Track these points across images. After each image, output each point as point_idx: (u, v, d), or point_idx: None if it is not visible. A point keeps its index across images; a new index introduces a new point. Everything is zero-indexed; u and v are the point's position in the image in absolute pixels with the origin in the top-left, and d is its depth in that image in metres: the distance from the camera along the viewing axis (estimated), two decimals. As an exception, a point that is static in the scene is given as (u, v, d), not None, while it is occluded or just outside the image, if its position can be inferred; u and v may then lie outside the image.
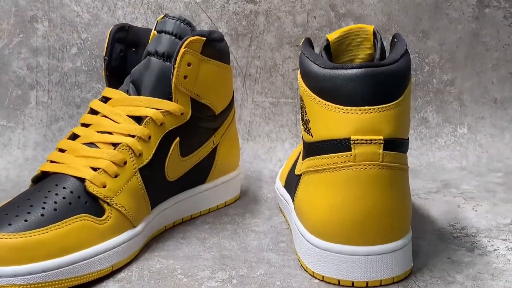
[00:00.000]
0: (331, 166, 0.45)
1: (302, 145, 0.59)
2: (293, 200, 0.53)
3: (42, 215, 0.46)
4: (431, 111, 0.79)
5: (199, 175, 0.59)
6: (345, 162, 0.45)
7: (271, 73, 0.78)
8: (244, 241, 0.55)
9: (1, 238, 0.43)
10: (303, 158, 0.50)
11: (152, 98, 0.53)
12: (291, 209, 0.55)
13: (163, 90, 0.54)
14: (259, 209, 0.62)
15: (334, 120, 0.45)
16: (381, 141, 0.44)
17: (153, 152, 0.53)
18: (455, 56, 0.78)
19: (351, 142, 0.44)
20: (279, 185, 0.62)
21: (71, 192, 0.48)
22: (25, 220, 0.45)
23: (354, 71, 0.44)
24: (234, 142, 0.64)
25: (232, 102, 0.62)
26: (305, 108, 0.48)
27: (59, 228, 0.45)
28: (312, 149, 0.47)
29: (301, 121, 0.50)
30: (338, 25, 0.77)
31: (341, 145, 0.45)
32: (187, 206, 0.59)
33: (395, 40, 0.49)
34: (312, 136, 0.47)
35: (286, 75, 0.78)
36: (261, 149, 0.77)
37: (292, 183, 0.55)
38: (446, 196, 0.65)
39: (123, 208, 0.50)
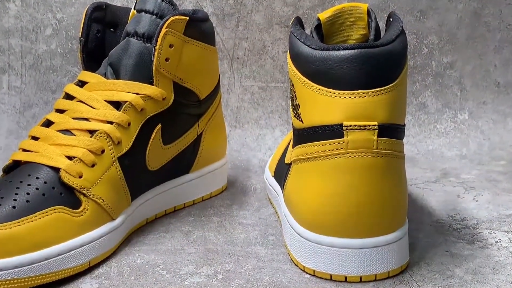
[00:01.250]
0: (322, 153, 0.45)
1: (292, 132, 0.59)
2: (282, 190, 0.53)
3: (14, 207, 0.45)
4: (430, 96, 0.79)
5: (182, 164, 0.59)
6: (337, 149, 0.44)
7: (260, 55, 0.78)
8: (231, 234, 0.55)
9: (-30, 232, 0.43)
10: (293, 146, 0.50)
11: (131, 82, 0.53)
12: (281, 200, 0.54)
13: (143, 73, 0.53)
14: (247, 200, 0.62)
15: (325, 104, 0.45)
16: (376, 127, 0.44)
17: (133, 139, 0.52)
18: (455, 38, 0.78)
19: (344, 128, 0.44)
20: (268, 174, 0.61)
21: (45, 182, 0.47)
22: (-5, 213, 0.44)
23: (347, 52, 0.44)
24: (220, 130, 0.63)
25: (218, 86, 0.62)
26: (295, 92, 0.48)
27: (32, 221, 0.45)
28: (302, 135, 0.47)
29: (290, 106, 0.50)
30: (331, 4, 0.77)
31: (333, 131, 0.44)
32: (170, 198, 0.59)
33: (391, 19, 0.49)
34: (303, 122, 0.47)
35: (276, 57, 0.78)
36: (250, 136, 0.77)
37: (282, 172, 0.55)
38: (445, 185, 0.66)
39: (101, 200, 0.49)
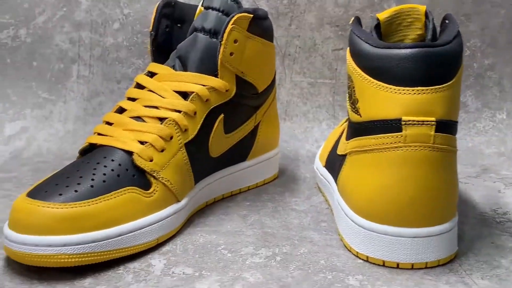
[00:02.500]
0: (380, 146, 0.45)
1: (342, 126, 0.59)
2: (336, 180, 0.53)
3: (92, 186, 0.46)
4: (470, 96, 0.77)
5: (240, 152, 0.59)
6: (395, 143, 0.44)
7: (310, 53, 0.77)
8: (285, 219, 0.54)
9: (52, 208, 0.43)
10: (348, 138, 0.50)
11: (198, 74, 0.53)
12: (333, 189, 0.54)
13: (209, 66, 0.53)
14: (298, 188, 0.62)
15: (385, 100, 0.44)
16: (433, 122, 0.43)
17: (198, 127, 0.52)
18: (496, 41, 0.76)
19: (403, 123, 0.43)
20: (319, 165, 0.61)
21: (119, 164, 0.48)
22: (75, 191, 0.45)
23: (408, 50, 0.43)
24: (275, 121, 0.63)
25: (274, 80, 0.62)
26: (353, 87, 0.47)
27: (108, 199, 0.46)
28: (359, 129, 0.47)
29: (348, 101, 0.49)
30: (380, 6, 0.76)
31: (392, 125, 0.44)
32: (227, 183, 0.59)
33: (446, 21, 0.48)
34: (361, 116, 0.46)
35: (326, 55, 0.77)
36: (298, 129, 0.76)
37: (334, 163, 0.54)
38: (486, 181, 0.64)
39: (169, 182, 0.50)
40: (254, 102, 0.59)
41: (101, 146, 0.50)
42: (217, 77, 0.53)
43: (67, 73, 0.78)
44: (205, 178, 0.55)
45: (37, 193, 0.45)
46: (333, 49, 0.77)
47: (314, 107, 0.77)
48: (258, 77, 0.58)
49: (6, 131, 0.75)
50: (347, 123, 0.52)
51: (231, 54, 0.54)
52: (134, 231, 0.47)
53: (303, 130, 0.76)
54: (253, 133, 0.60)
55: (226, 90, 0.54)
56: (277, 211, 0.56)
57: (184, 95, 0.53)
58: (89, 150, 0.51)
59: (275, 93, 0.63)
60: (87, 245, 0.44)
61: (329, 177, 0.57)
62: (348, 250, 0.48)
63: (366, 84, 0.45)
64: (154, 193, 0.49)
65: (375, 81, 0.44)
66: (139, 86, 0.54)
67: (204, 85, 0.53)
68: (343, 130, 0.55)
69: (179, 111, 0.52)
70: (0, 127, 0.76)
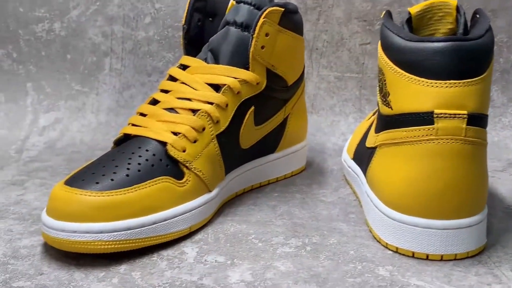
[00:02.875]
0: (411, 139, 0.44)
1: (370, 119, 0.58)
2: (365, 172, 0.52)
3: (127, 175, 0.46)
4: (496, 91, 0.76)
5: (270, 144, 0.59)
6: (426, 135, 0.43)
7: (337, 47, 0.76)
8: (314, 210, 0.54)
9: (90, 196, 0.44)
10: (378, 131, 0.49)
11: (230, 67, 0.53)
12: (362, 181, 0.54)
13: (240, 59, 0.53)
14: (326, 180, 0.62)
15: (417, 93, 0.43)
16: (465, 116, 0.43)
17: (229, 119, 0.52)
18: (524, 36, 0.75)
19: (434, 116, 0.43)
20: (347, 157, 0.61)
21: (154, 154, 0.48)
22: (112, 180, 0.45)
23: (441, 44, 0.42)
24: (303, 114, 0.63)
25: (303, 74, 0.61)
26: (385, 81, 0.47)
27: (143, 188, 0.46)
28: (390, 122, 0.46)
29: (378, 94, 0.49)
30: (407, 0, 0.75)
31: (423, 118, 0.43)
32: (256, 174, 0.59)
33: (477, 15, 0.47)
34: (392, 109, 0.46)
35: (353, 49, 0.76)
36: (324, 122, 0.76)
37: (363, 155, 0.54)
38: (512, 175, 0.63)
39: (201, 173, 0.50)
40: (283, 95, 0.58)
41: (136, 136, 0.50)
42: (248, 70, 0.53)
43: (99, 66, 0.78)
44: (235, 169, 0.55)
45: (74, 182, 0.45)
46: (361, 43, 0.76)
47: (340, 101, 0.77)
48: (288, 70, 0.57)
49: (40, 122, 0.76)
50: (375, 116, 0.52)
51: (262, 47, 0.53)
52: (167, 220, 0.47)
53: (330, 123, 0.76)
54: (282, 125, 0.60)
55: (257, 83, 0.54)
56: (305, 202, 0.56)
57: (216, 87, 0.52)
58: (124, 141, 0.51)
59: (304, 87, 0.62)
60: (122, 232, 0.44)
61: (357, 169, 0.56)
62: (378, 241, 0.48)
63: (397, 77, 0.45)
64: (187, 183, 0.49)
65: (407, 74, 0.44)
66: (172, 79, 0.54)
67: (235, 78, 0.53)
68: (371, 123, 0.55)
69: (211, 103, 0.51)
70: (35, 118, 0.77)
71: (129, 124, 0.52)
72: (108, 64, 0.78)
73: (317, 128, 0.76)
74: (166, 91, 0.53)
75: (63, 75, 0.78)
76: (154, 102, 0.53)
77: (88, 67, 0.78)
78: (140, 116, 0.52)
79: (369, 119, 0.60)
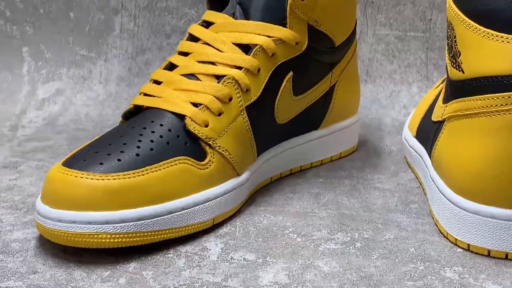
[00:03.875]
0: (487, 109, 0.43)
1: (438, 88, 0.57)
2: (430, 152, 0.51)
3: (138, 154, 0.46)
4: None
5: (312, 119, 0.59)
6: (506, 104, 0.42)
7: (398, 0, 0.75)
8: (366, 199, 0.54)
9: (92, 179, 0.44)
10: (446, 101, 0.48)
11: (262, 23, 0.52)
12: (427, 163, 0.53)
13: (276, 14, 0.53)
14: (382, 163, 0.61)
15: (494, 51, 0.42)
16: (557, 79, 0.41)
17: (262, 88, 0.52)
18: None
19: (517, 79, 0.41)
20: (409, 135, 0.60)
21: (169, 130, 0.48)
22: (119, 160, 0.45)
23: (526, -11, 0.41)
24: (354, 82, 0.62)
25: (354, 32, 0.60)
26: (454, 37, 0.45)
27: (157, 170, 0.46)
28: (462, 88, 0.45)
29: (447, 55, 0.48)
30: None
31: (503, 83, 0.42)
32: (296, 156, 0.58)
33: None
34: (463, 72, 0.45)
35: (417, 2, 0.75)
36: (382, 92, 0.76)
37: (428, 132, 0.53)
38: None
39: (227, 152, 0.50)
40: (329, 58, 0.58)
41: (148, 108, 0.50)
42: (286, 27, 0.53)
43: (108, 25, 0.78)
44: (269, 149, 0.55)
45: (74, 162, 0.45)
46: None
47: (402, 66, 0.76)
48: (335, 27, 0.56)
49: (39, 94, 0.77)
50: (444, 83, 0.51)
51: (302, -2, 0.53)
52: (186, 209, 0.47)
53: (389, 94, 0.76)
54: (328, 96, 0.59)
55: (296, 43, 0.53)
56: (357, 189, 0.56)
57: (246, 48, 0.52)
58: (134, 114, 0.51)
59: (356, 48, 0.61)
60: (132, 223, 0.44)
61: (421, 149, 0.56)
62: (445, 236, 0.47)
63: (470, 32, 0.43)
64: (210, 165, 0.49)
65: (482, 28, 0.43)
66: (193, 38, 0.54)
67: (269, 36, 0.52)
68: (440, 92, 0.54)
69: (239, 68, 0.51)
70: (32, 89, 0.78)
71: (140, 93, 0.52)
72: (119, 23, 0.78)
73: (372, 100, 0.75)
74: (185, 54, 0.53)
75: (65, 38, 0.79)
76: (171, 67, 0.53)
77: (95, 28, 0.79)
78: (154, 84, 0.52)
79: (437, 87, 0.59)
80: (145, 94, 0.51)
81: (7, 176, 0.59)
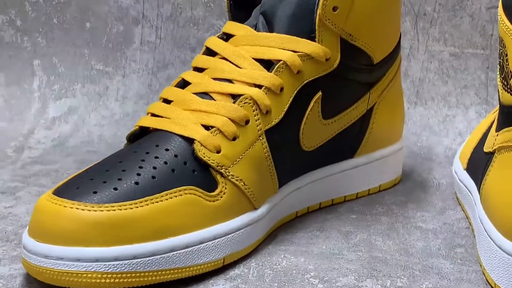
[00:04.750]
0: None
1: (495, 113, 0.55)
2: (479, 187, 0.50)
3: (137, 183, 0.45)
4: None
5: (345, 146, 0.57)
6: None
7: (454, 12, 0.75)
8: (405, 240, 0.52)
9: (83, 210, 0.43)
10: (499, 129, 0.46)
11: (288, 36, 0.51)
12: (476, 200, 0.51)
13: (303, 26, 0.52)
14: (428, 198, 0.60)
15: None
16: None
17: (285, 109, 0.51)
18: None
19: None
20: (459, 167, 0.58)
21: (175, 156, 0.47)
22: (115, 189, 0.44)
23: None
24: (397, 105, 0.61)
25: (397, 48, 0.59)
26: (506, 55, 0.44)
27: (158, 202, 0.45)
28: (513, 114, 0.43)
29: (498, 76, 0.46)
30: None
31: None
32: (326, 188, 0.57)
33: None
34: (515, 96, 0.43)
35: (477, 15, 0.74)
36: (434, 117, 0.75)
37: (478, 164, 0.52)
38: None
39: (242, 182, 0.48)
40: (367, 77, 0.56)
41: (155, 131, 0.49)
42: (314, 41, 0.52)
43: (127, 37, 0.79)
44: (294, 179, 0.54)
45: (66, 190, 0.45)
46: (488, 7, 0.74)
47: (458, 88, 0.75)
48: (373, 41, 0.55)
49: (50, 112, 0.78)
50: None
51: (334, 8, 0.52)
52: (191, 246, 0.45)
53: (442, 119, 0.75)
54: (365, 120, 0.58)
55: (327, 59, 0.52)
56: (394, 229, 0.54)
57: (268, 64, 0.51)
58: (141, 136, 0.50)
59: (399, 66, 0.60)
60: (126, 261, 0.43)
61: (471, 184, 0.54)
62: (492, 288, 0.45)
63: (523, 49, 0.41)
64: (221, 196, 0.47)
65: (537, 45, 0.40)
66: (210, 52, 0.53)
67: (295, 51, 0.51)
68: (494, 118, 0.52)
69: (259, 86, 0.50)
70: (42, 107, 0.78)
71: (148, 113, 0.51)
72: (139, 35, 0.79)
73: (423, 126, 0.75)
74: (200, 70, 0.52)
75: (80, 50, 0.79)
76: (184, 84, 0.52)
77: (113, 39, 0.79)
78: (163, 104, 0.51)
79: (494, 112, 0.57)
80: (153, 115, 0.51)
81: (3, 203, 0.59)
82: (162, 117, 0.50)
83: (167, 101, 0.51)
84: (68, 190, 0.45)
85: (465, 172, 0.56)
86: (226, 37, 0.54)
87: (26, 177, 0.65)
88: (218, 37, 0.54)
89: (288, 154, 0.52)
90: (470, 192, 0.54)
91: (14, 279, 0.46)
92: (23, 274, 0.47)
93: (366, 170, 0.59)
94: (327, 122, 0.54)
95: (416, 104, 0.76)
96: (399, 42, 0.59)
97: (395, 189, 0.62)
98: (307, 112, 0.53)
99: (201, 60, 0.53)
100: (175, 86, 0.52)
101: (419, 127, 0.74)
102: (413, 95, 0.76)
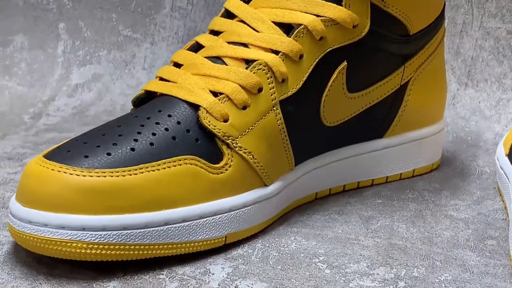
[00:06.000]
0: None
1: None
2: (516, 174, 0.47)
3: (133, 149, 0.44)
4: None
5: (374, 123, 0.56)
6: None
7: (514, -17, 0.73)
8: (431, 229, 0.51)
9: (71, 174, 0.42)
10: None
11: (312, -2, 0.50)
12: (512, 188, 0.49)
13: (330, -13, 0.51)
14: (466, 187, 0.59)
15: None
16: None
17: (304, 79, 0.50)
18: None
19: None
20: (501, 153, 0.56)
21: (178, 122, 0.46)
22: (108, 154, 0.44)
23: None
24: (438, 82, 0.60)
25: (440, 19, 0.58)
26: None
27: (154, 170, 0.44)
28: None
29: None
30: None
31: None
32: (352, 169, 0.56)
33: None
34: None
35: (539, -12, 0.72)
36: (487, 100, 0.73)
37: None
38: None
39: (250, 155, 0.47)
40: (401, 48, 0.55)
41: (161, 95, 0.48)
42: (341, 5, 0.50)
43: (158, 2, 0.79)
44: (313, 157, 0.53)
45: (57, 153, 0.44)
46: None
47: (515, 69, 0.74)
48: (410, 9, 0.54)
49: (73, 78, 0.78)
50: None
51: (364, -31, 0.50)
52: (189, 221, 0.45)
53: (495, 102, 0.73)
54: (397, 96, 0.56)
55: (354, 26, 0.51)
56: (422, 216, 0.53)
57: (289, 29, 0.50)
58: (146, 101, 0.49)
59: (443, 39, 0.59)
60: (116, 232, 0.42)
61: (510, 170, 0.51)
62: (518, 284, 0.43)
63: None
64: (226, 169, 0.46)
65: None
66: (229, 15, 0.52)
67: (318, 16, 0.50)
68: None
69: (276, 52, 0.49)
70: (66, 73, 0.78)
71: (156, 77, 0.51)
72: (170, 0, 0.78)
73: (472, 109, 0.73)
74: (216, 33, 0.52)
75: (107, 14, 0.79)
76: (197, 47, 0.51)
77: (143, 4, 0.79)
78: (173, 67, 0.50)
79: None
80: (161, 79, 0.50)
81: (8, 168, 0.59)
82: (169, 81, 0.49)
83: (177, 65, 0.51)
84: (59, 153, 0.44)
85: (506, 158, 0.54)
86: (248, -2, 0.53)
87: (38, 144, 0.65)
88: (239, -2, 0.53)
89: (306, 128, 0.51)
90: (508, 179, 0.52)
91: (1, 246, 0.46)
92: (12, 242, 0.47)
93: (399, 152, 0.58)
94: (352, 96, 0.53)
95: (466, 86, 0.74)
96: (442, 12, 0.58)
97: (430, 175, 0.60)
98: (330, 83, 0.51)
99: (218, 22, 0.52)
100: (188, 49, 0.51)
101: (468, 110, 0.72)
102: (464, 76, 0.74)
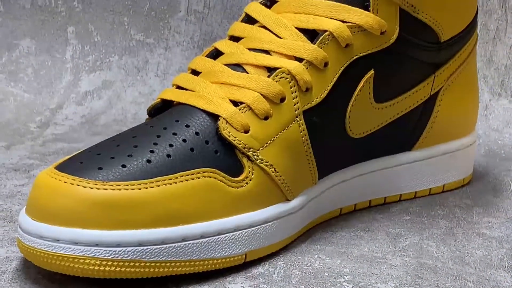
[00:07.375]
0: None
1: None
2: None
3: (149, 161, 0.45)
4: None
5: (402, 136, 0.57)
6: None
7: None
8: (463, 248, 0.51)
9: (85, 187, 0.43)
10: None
11: (337, 3, 0.51)
12: (548, 205, 0.49)
13: (356, -8, 0.51)
14: (499, 203, 0.59)
15: None
16: None
17: (329, 88, 0.50)
18: None
19: None
20: None
21: (196, 133, 0.47)
22: (123, 166, 0.44)
23: None
24: (470, 92, 0.60)
25: (472, 25, 0.58)
26: None
27: (171, 183, 0.45)
28: None
29: None
30: None
31: None
32: (379, 183, 0.57)
33: None
34: None
35: None
36: None
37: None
38: None
39: (272, 169, 0.48)
40: (431, 56, 0.56)
41: (178, 104, 0.49)
42: (368, 10, 0.51)
43: (172, 5, 0.80)
44: (338, 170, 0.53)
45: (69, 165, 0.45)
46: None
47: (554, 79, 0.75)
48: (441, 16, 0.55)
49: (82, 86, 0.79)
50: None
51: (393, -27, 0.51)
52: (207, 237, 0.45)
53: None
54: (427, 106, 0.57)
55: (382, 32, 0.52)
56: (453, 234, 0.53)
57: (314, 35, 0.51)
58: (163, 110, 0.50)
59: (475, 47, 0.59)
60: (131, 248, 0.43)
61: None
62: (556, 308, 0.43)
63: None
64: (247, 183, 0.47)
65: None
66: (249, 20, 0.53)
67: (344, 22, 0.51)
68: None
69: (300, 60, 0.50)
70: (74, 79, 0.79)
71: (173, 85, 0.51)
72: (185, 2, 0.79)
73: (506, 121, 0.74)
74: (236, 39, 0.52)
75: (119, 18, 0.80)
76: (216, 54, 0.52)
77: (156, 7, 0.80)
78: (190, 75, 0.51)
79: None
80: (178, 87, 0.51)
81: (14, 180, 0.60)
82: (187, 89, 0.50)
83: (195, 73, 0.51)
84: (71, 164, 0.45)
85: (543, 173, 0.55)
86: (270, 3, 0.53)
87: (45, 155, 0.66)
88: (260, 3, 0.54)
89: (331, 140, 0.51)
90: (545, 196, 0.52)
91: (10, 262, 0.47)
92: (20, 258, 0.47)
93: (428, 166, 0.59)
94: (380, 106, 0.54)
95: (500, 96, 0.75)
96: (475, 19, 0.58)
97: (462, 191, 0.61)
98: (356, 92, 0.52)
99: (238, 28, 0.53)
100: (206, 55, 0.52)
101: (501, 122, 0.73)
102: (497, 85, 0.75)
